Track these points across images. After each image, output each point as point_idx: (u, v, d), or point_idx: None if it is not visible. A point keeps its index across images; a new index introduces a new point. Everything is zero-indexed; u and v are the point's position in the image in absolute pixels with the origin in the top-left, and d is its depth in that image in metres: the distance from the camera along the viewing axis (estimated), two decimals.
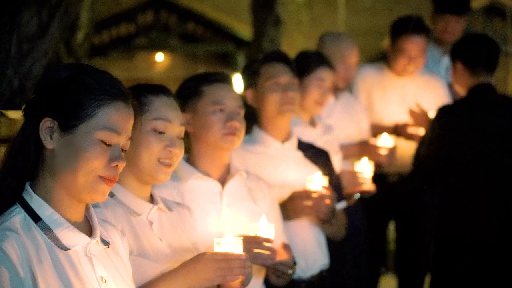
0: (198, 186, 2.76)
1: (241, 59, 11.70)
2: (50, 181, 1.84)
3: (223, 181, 2.81)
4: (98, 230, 1.90)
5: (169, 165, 2.32)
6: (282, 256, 2.70)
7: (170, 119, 2.34)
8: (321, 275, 3.29)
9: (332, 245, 3.44)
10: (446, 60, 5.17)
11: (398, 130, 4.64)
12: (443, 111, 4.23)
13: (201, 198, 2.74)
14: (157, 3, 12.05)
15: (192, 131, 2.80)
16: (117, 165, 1.86)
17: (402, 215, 4.88)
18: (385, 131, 4.49)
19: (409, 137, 4.57)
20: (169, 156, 2.32)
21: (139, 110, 2.31)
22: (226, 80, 2.83)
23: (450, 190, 4.20)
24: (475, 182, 4.12)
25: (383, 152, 4.23)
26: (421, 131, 4.52)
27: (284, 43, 8.38)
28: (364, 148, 4.28)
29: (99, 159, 1.83)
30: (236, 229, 2.64)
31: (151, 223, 2.32)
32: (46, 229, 1.81)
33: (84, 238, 1.86)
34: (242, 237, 2.27)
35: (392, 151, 4.27)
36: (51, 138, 1.83)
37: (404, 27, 4.72)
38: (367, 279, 4.57)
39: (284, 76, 3.28)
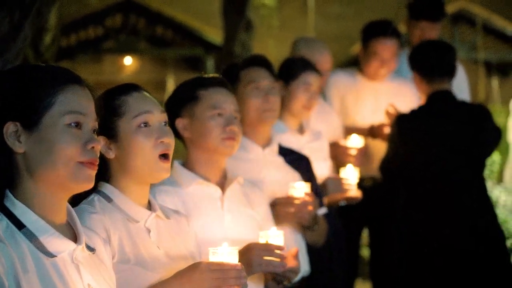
0: (199, 192, 2.72)
1: (210, 64, 11.66)
2: (31, 184, 1.79)
3: (221, 186, 2.77)
4: (83, 236, 1.85)
5: (167, 159, 2.27)
6: (291, 262, 2.68)
7: (151, 110, 2.27)
8: (302, 281, 3.27)
9: (312, 251, 3.41)
10: None
11: (374, 131, 4.64)
12: (400, 118, 4.28)
13: (203, 204, 2.70)
14: (126, 6, 11.96)
15: (190, 136, 2.76)
16: (93, 147, 1.81)
17: (377, 220, 4.88)
18: (361, 133, 4.49)
19: (386, 137, 4.57)
20: (164, 148, 2.26)
21: (115, 114, 2.28)
22: (223, 84, 2.79)
23: (413, 194, 4.23)
24: (435, 186, 4.15)
25: (353, 152, 4.23)
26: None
27: (256, 47, 8.36)
28: (334, 149, 4.27)
29: (73, 144, 1.78)
30: (239, 236, 2.62)
31: (149, 231, 2.26)
32: (31, 236, 1.75)
33: (70, 244, 1.80)
34: (238, 248, 2.22)
35: (362, 151, 4.27)
36: (19, 142, 1.78)
37: (376, 30, 4.74)
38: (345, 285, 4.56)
39: (264, 80, 3.25)
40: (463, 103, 4.35)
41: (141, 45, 12.35)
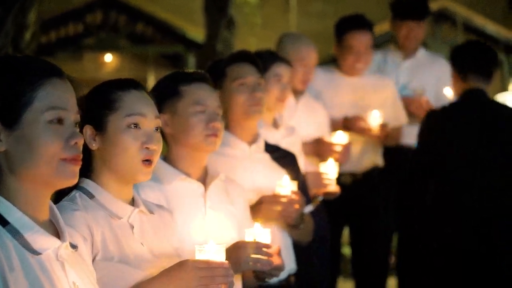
0: (182, 189, 2.70)
1: (191, 61, 11.60)
2: (14, 182, 1.75)
3: (202, 182, 2.75)
4: (67, 233, 1.81)
5: (150, 164, 2.23)
6: (276, 260, 2.67)
7: (145, 113, 2.25)
8: (289, 279, 3.25)
9: (298, 248, 3.40)
10: (406, 64, 5.22)
11: (348, 124, 4.63)
12: (431, 114, 4.38)
13: (186, 201, 2.69)
14: (106, 2, 11.84)
15: (171, 133, 2.73)
16: (76, 143, 1.77)
17: (357, 218, 4.87)
18: (335, 125, 4.50)
19: (359, 131, 4.56)
20: (148, 154, 2.23)
21: (108, 107, 2.25)
22: (205, 79, 2.77)
23: (440, 192, 4.28)
24: (460, 183, 4.22)
25: (338, 148, 4.21)
26: (371, 126, 4.55)
27: (238, 45, 8.33)
28: (318, 146, 4.25)
29: (56, 141, 1.75)
30: (221, 233, 2.61)
31: (132, 227, 2.23)
32: (16, 233, 1.71)
33: (55, 241, 1.77)
34: (225, 244, 2.20)
35: (347, 147, 4.25)
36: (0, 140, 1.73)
37: (349, 24, 4.78)
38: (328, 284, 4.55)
39: (251, 76, 3.24)
40: (494, 103, 4.46)
41: (121, 42, 12.23)
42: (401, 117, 4.95)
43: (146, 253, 2.22)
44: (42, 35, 10.62)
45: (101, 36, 11.99)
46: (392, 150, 5.02)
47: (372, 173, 4.83)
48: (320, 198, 3.84)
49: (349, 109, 4.75)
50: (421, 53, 5.29)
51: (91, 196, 2.21)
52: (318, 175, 3.81)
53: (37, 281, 1.69)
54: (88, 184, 2.23)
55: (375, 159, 4.87)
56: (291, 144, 3.81)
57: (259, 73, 3.28)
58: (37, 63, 1.81)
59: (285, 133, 3.86)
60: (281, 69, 3.81)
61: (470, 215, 4.16)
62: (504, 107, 4.48)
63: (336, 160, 4.11)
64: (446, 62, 5.25)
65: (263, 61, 3.77)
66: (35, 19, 8.82)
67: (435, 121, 4.32)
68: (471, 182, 4.21)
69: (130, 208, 2.24)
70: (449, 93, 4.81)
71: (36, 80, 1.77)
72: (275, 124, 3.86)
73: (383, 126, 4.59)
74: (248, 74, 3.24)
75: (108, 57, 12.64)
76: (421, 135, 4.35)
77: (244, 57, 3.30)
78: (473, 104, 4.30)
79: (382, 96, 4.82)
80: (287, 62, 3.87)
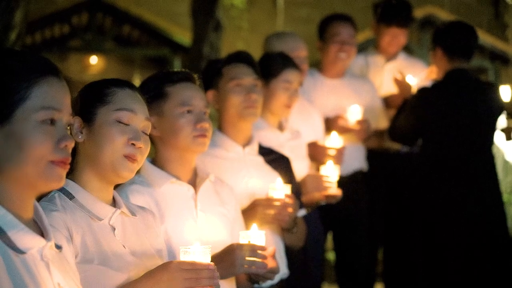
0: (172, 192, 2.65)
1: (177, 64, 11.56)
2: None
3: (192, 184, 2.71)
4: (51, 233, 1.76)
5: (134, 161, 2.18)
6: (271, 263, 2.64)
7: (135, 111, 2.21)
8: (281, 284, 3.22)
9: (291, 253, 3.37)
10: (389, 67, 5.26)
11: (329, 123, 4.62)
12: (422, 90, 4.62)
13: (177, 204, 2.64)
14: (92, 4, 11.77)
15: (159, 135, 2.69)
16: (66, 145, 1.72)
17: (340, 222, 4.84)
18: None
19: (340, 130, 4.54)
20: (133, 151, 2.18)
21: (100, 100, 2.22)
22: (191, 79, 2.73)
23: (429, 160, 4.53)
24: (450, 151, 4.47)
25: (332, 152, 4.19)
26: (350, 120, 4.56)
27: (224, 48, 8.32)
28: (312, 149, 4.23)
29: (45, 142, 1.69)
30: (213, 235, 2.58)
31: (114, 229, 2.17)
32: None
33: (40, 240, 1.71)
34: (211, 246, 2.16)
35: (341, 151, 4.23)
36: None
37: (333, 16, 4.85)
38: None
39: (247, 77, 3.21)
40: (478, 81, 4.70)
41: (107, 45, 12.16)
42: (382, 120, 4.96)
43: (127, 256, 2.16)
44: (27, 36, 10.54)
45: (87, 37, 11.91)
46: (376, 154, 5.02)
47: (356, 177, 4.81)
48: (323, 202, 3.79)
49: (331, 111, 4.73)
50: (402, 56, 5.36)
51: (71, 196, 2.15)
52: (318, 178, 3.78)
53: (21, 282, 1.63)
54: (68, 184, 2.18)
55: (359, 163, 4.86)
56: (296, 147, 3.79)
57: (256, 74, 3.25)
58: (34, 59, 1.75)
59: (290, 136, 3.84)
60: (291, 76, 3.76)
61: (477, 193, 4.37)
62: (488, 84, 4.82)
63: None
64: (425, 65, 5.34)
65: (274, 64, 3.73)
66: (21, 19, 8.76)
67: (426, 97, 4.55)
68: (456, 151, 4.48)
69: (111, 209, 2.19)
70: (412, 81, 4.95)
71: (32, 77, 1.71)
72: (281, 127, 3.84)
73: (363, 121, 4.58)
74: (245, 75, 3.21)
75: (94, 59, 12.58)
76: (413, 108, 4.55)
77: (242, 58, 3.27)
78: (461, 81, 4.53)
79: (363, 98, 4.83)
80: (297, 67, 3.84)
